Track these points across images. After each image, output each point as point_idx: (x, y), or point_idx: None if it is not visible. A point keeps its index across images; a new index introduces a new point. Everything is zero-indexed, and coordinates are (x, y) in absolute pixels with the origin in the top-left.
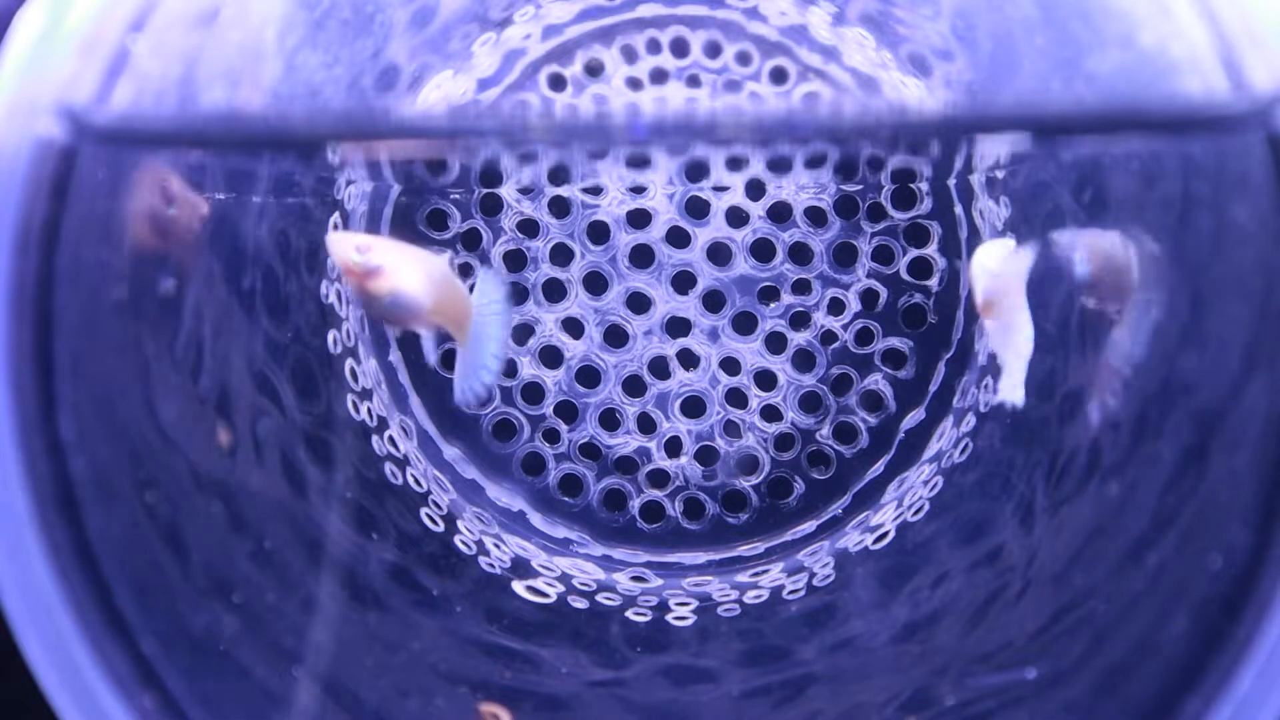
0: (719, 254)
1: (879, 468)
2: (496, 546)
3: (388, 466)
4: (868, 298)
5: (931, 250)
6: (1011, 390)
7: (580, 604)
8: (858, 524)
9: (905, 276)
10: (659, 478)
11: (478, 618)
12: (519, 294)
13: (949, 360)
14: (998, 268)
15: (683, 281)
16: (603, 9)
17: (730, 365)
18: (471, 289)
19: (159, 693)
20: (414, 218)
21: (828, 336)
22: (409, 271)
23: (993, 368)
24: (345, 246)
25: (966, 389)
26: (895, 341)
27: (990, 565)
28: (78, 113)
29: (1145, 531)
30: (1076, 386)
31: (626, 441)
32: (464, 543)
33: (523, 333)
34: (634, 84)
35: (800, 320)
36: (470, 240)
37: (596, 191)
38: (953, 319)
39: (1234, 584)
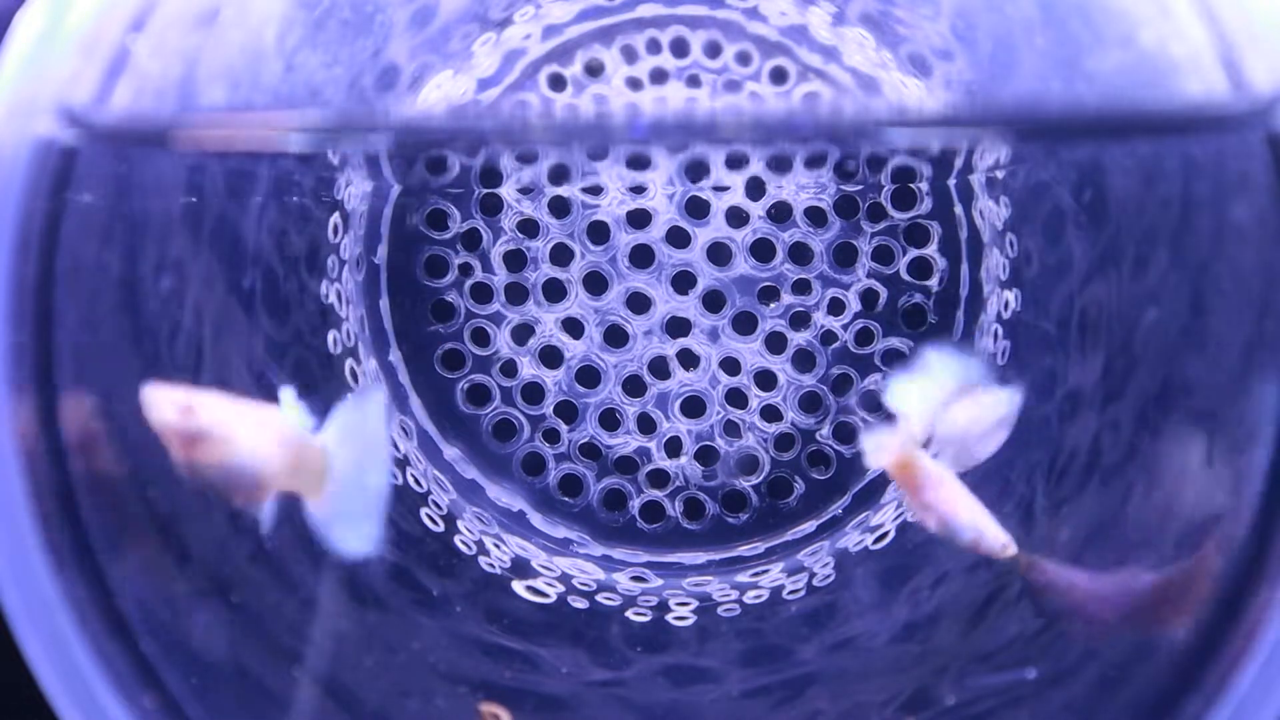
0: (719, 254)
1: (879, 468)
2: (496, 546)
3: None
4: (868, 298)
5: (931, 250)
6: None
7: (580, 604)
8: (858, 524)
9: (905, 276)
10: (659, 478)
11: (478, 618)
12: (519, 294)
13: None
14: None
15: (683, 281)
16: (602, 9)
17: (730, 365)
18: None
19: (159, 693)
20: (414, 218)
21: (828, 336)
22: (246, 433)
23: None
24: (163, 404)
25: None
26: (895, 341)
27: (990, 565)
28: (78, 113)
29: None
30: (1076, 386)
31: (626, 441)
32: (464, 543)
33: (523, 333)
34: (634, 84)
35: (800, 320)
36: (470, 240)
37: (596, 191)
38: (953, 319)
39: (1234, 584)
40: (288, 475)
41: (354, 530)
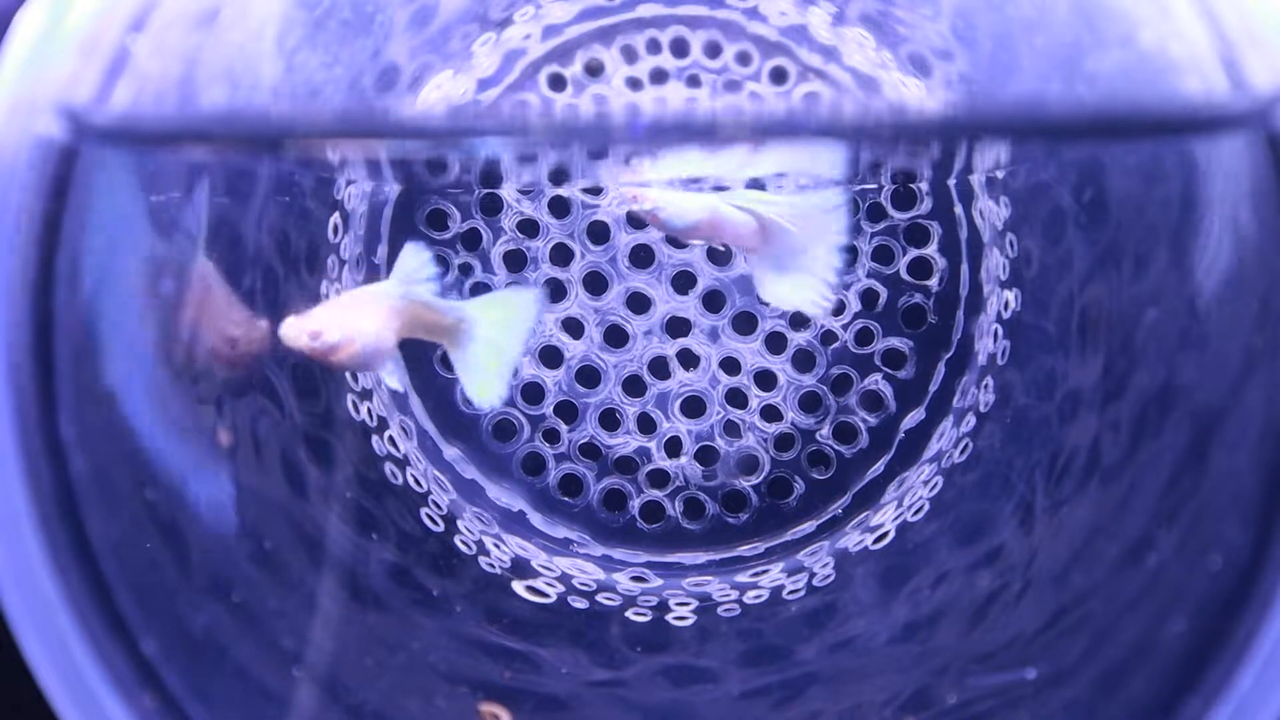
0: (719, 254)
1: (879, 468)
2: (496, 546)
3: (388, 466)
4: (868, 298)
5: (931, 250)
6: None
7: (580, 604)
8: (858, 524)
9: (905, 276)
10: (659, 478)
11: (478, 618)
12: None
13: (949, 360)
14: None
15: (683, 281)
16: (603, 9)
17: (730, 365)
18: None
19: (159, 693)
20: (414, 218)
21: (828, 336)
22: (366, 326)
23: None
24: (297, 335)
25: (966, 389)
26: (895, 341)
27: (990, 565)
28: (78, 113)
29: (1145, 531)
30: (1076, 386)
31: (626, 441)
32: (464, 543)
33: None
34: (634, 84)
35: (800, 320)
36: (470, 240)
37: (596, 191)
38: (953, 319)
39: (1234, 584)
40: (409, 331)
41: (484, 385)
